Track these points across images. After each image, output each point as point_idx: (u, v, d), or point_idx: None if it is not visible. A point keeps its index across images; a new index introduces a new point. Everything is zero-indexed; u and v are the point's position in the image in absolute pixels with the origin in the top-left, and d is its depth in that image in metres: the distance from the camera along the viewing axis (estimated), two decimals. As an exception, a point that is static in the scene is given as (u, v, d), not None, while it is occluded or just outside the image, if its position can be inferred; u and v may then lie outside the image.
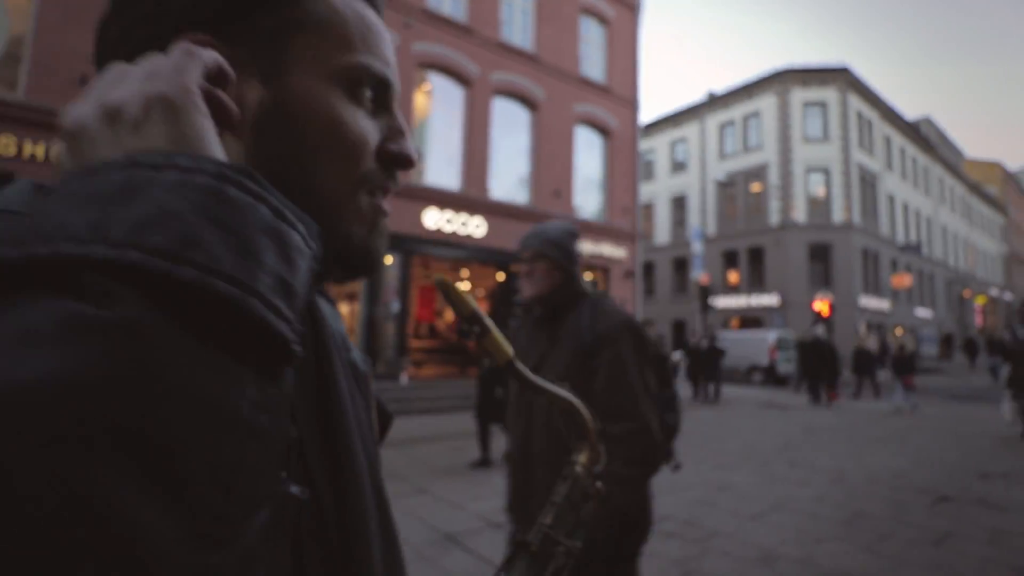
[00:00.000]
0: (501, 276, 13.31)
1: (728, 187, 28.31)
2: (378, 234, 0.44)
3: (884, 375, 22.06)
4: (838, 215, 25.72)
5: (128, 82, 0.30)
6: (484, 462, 6.04)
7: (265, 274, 0.25)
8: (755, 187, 27.42)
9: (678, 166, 31.31)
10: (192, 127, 0.29)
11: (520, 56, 13.53)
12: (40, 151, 7.86)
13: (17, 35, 8.09)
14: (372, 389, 0.52)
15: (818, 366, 13.14)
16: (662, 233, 31.29)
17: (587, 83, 14.90)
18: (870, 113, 28.58)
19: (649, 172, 32.70)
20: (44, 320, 0.20)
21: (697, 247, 17.92)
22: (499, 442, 6.27)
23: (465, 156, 12.45)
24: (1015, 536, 3.97)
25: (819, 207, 26.01)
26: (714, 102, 29.54)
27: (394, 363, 11.27)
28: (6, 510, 0.17)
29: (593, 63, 15.38)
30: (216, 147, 0.29)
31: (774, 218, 26.28)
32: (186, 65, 0.30)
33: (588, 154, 15.06)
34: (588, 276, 14.80)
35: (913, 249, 28.28)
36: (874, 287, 27.13)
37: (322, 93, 0.40)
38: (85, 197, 0.23)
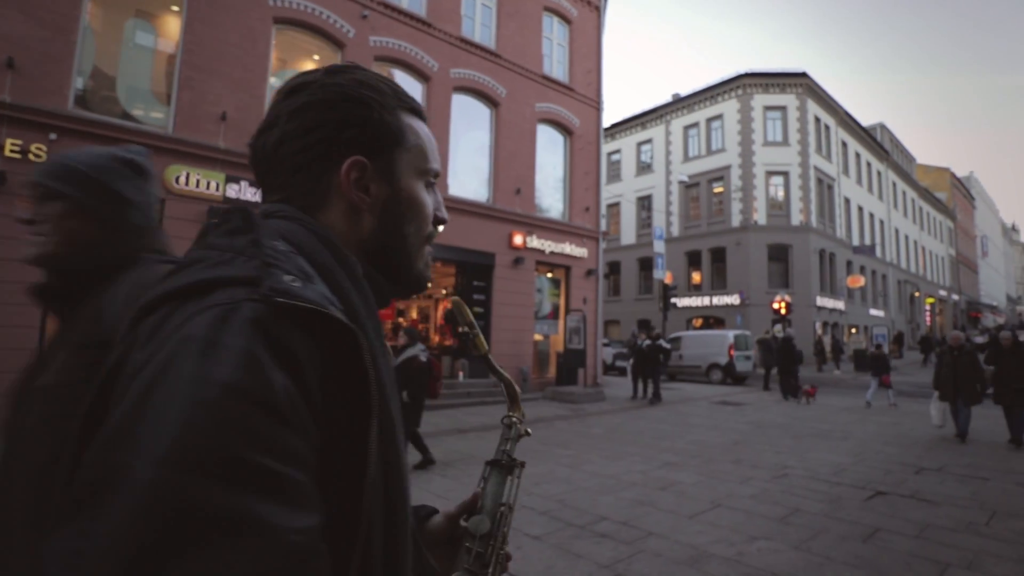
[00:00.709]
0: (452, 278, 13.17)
1: (691, 188, 28.78)
2: (428, 267, 0.69)
3: (838, 373, 22.76)
4: (796, 217, 26.39)
5: None
6: (427, 462, 5.87)
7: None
8: (717, 189, 27.93)
9: (644, 167, 31.66)
10: None
11: (481, 52, 13.37)
12: None
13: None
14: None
15: (789, 363, 13.50)
16: (628, 233, 31.61)
17: (549, 82, 14.84)
18: (828, 119, 29.43)
19: (616, 173, 33.00)
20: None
21: (659, 246, 18.09)
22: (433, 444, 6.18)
23: (424, 152, 12.22)
24: (941, 530, 4.03)
25: (779, 209, 26.64)
26: (679, 105, 29.98)
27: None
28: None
29: (556, 62, 15.34)
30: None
31: (736, 219, 26.81)
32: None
33: (550, 153, 15.01)
34: (549, 275, 14.77)
35: (868, 250, 29.23)
36: (830, 287, 27.95)
37: (415, 187, 0.65)
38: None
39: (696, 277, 28.58)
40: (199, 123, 9.32)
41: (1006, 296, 67.50)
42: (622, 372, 19.49)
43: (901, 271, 37.44)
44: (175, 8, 9.35)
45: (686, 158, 29.37)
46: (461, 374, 12.35)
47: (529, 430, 0.82)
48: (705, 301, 27.55)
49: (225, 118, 9.49)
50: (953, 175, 51.66)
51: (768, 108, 27.27)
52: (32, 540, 0.81)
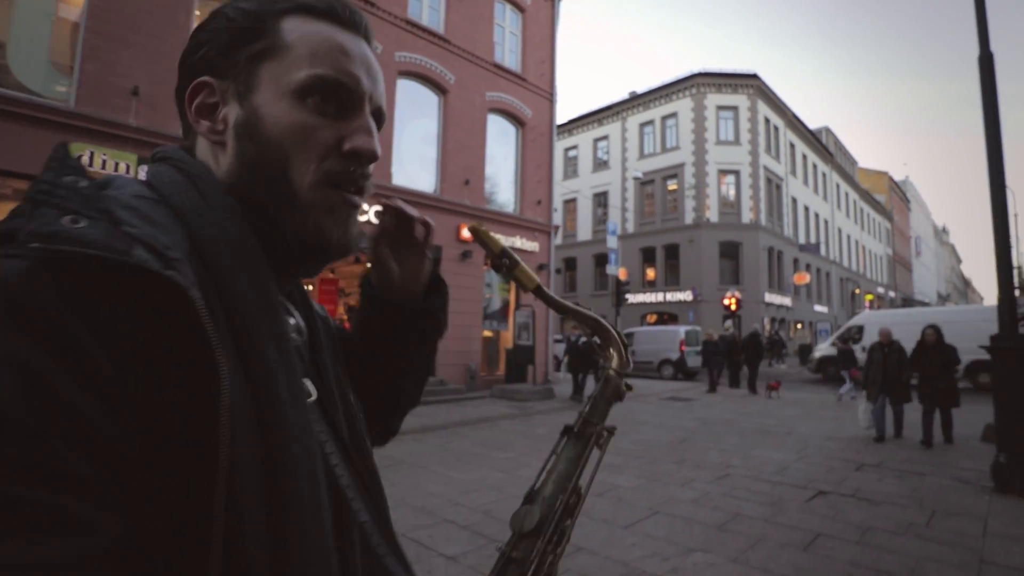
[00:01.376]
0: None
1: (647, 185, 28.97)
2: (350, 225, 0.53)
3: (784, 367, 23.34)
4: (747, 215, 26.93)
5: None
6: None
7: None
8: (672, 186, 28.20)
9: (600, 164, 31.69)
10: None
11: (429, 36, 12.81)
12: None
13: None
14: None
15: (755, 358, 13.66)
16: (584, 229, 31.58)
17: (501, 70, 14.41)
18: (777, 120, 30.17)
19: (573, 169, 32.93)
20: None
21: (612, 242, 17.95)
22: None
23: (366, 138, 11.59)
24: (883, 534, 3.84)
25: (730, 207, 27.12)
26: (635, 102, 30.10)
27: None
28: None
29: (508, 51, 14.91)
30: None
31: (689, 217, 27.13)
32: None
33: (501, 144, 14.59)
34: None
35: (813, 248, 30.16)
36: (778, 284, 28.69)
37: (278, 107, 0.49)
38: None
39: (650, 273, 28.82)
40: (106, 98, 8.44)
41: (937, 293, 71.53)
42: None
43: (843, 269, 38.95)
44: (77, -32, 8.44)
45: (642, 155, 29.54)
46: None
47: (630, 383, 0.66)
48: (659, 297, 27.80)
49: (137, 93, 8.64)
50: (891, 178, 54.22)
51: (721, 108, 27.70)
52: None
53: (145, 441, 0.35)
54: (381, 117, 0.57)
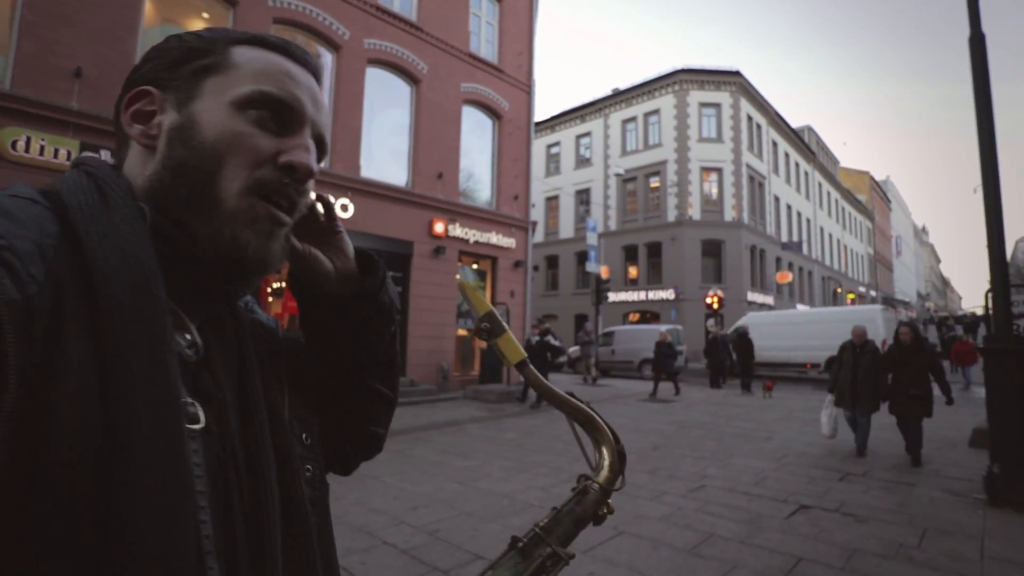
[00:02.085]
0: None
1: (629, 182, 28.66)
2: (274, 240, 0.51)
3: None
4: (729, 213, 26.73)
5: None
6: None
7: None
8: (654, 184, 27.92)
9: (582, 161, 31.32)
10: None
11: (400, 24, 12.26)
12: None
13: None
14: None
15: (747, 357, 13.32)
16: (566, 227, 31.18)
17: (477, 61, 13.90)
18: (759, 118, 30.04)
19: (555, 166, 32.53)
20: None
21: (592, 239, 17.55)
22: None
23: (332, 128, 11.02)
24: (871, 557, 3.43)
25: (712, 205, 26.90)
26: (617, 99, 29.76)
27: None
28: None
29: (484, 41, 14.41)
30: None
31: (671, 214, 26.87)
32: None
33: (477, 137, 14.09)
34: (474, 266, 13.89)
35: (796, 246, 30.09)
36: (760, 283, 28.56)
37: (217, 113, 0.49)
38: None
39: (632, 272, 28.52)
40: (46, 79, 7.80)
41: (917, 293, 72.51)
42: (554, 368, 18.91)
43: (825, 268, 39.07)
44: (9, -63, 7.78)
45: (624, 152, 29.22)
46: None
47: (611, 504, 0.57)
48: (641, 296, 27.51)
49: (80, 75, 8.02)
50: (872, 178, 54.70)
51: (703, 105, 27.47)
52: None
53: None
54: (323, 146, 0.57)
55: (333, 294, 0.61)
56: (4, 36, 7.71)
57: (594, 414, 0.57)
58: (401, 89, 12.47)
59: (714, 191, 27.11)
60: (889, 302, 51.60)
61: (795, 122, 40.26)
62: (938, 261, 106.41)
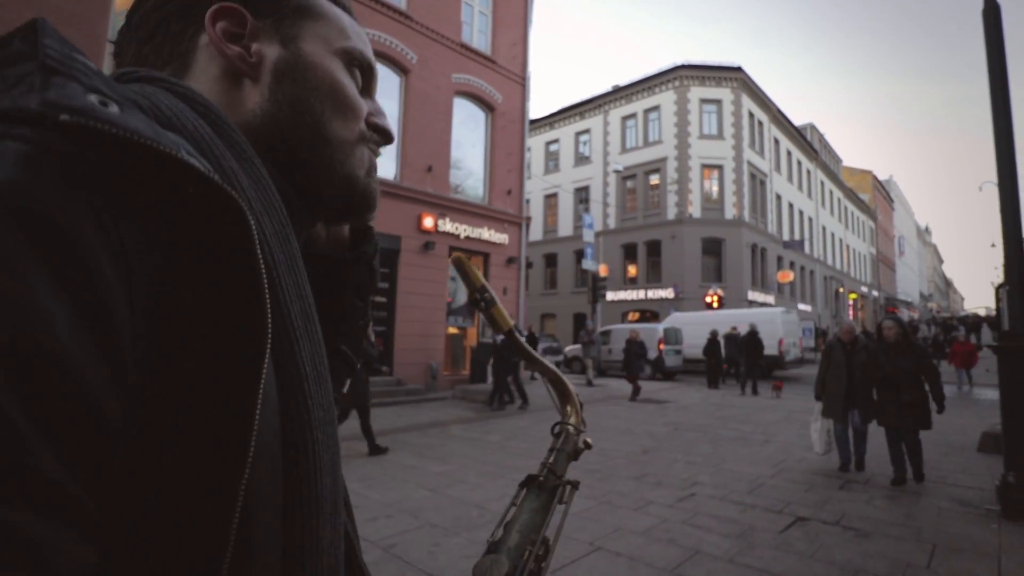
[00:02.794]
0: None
1: (628, 180, 28.26)
2: (374, 178, 0.52)
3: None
4: (730, 211, 26.31)
5: None
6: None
7: None
8: (654, 181, 27.52)
9: (582, 158, 30.90)
10: None
11: (388, 11, 11.90)
12: None
13: None
14: None
15: (755, 357, 12.88)
16: (565, 225, 30.76)
17: (469, 51, 13.54)
18: (761, 115, 29.60)
19: (554, 163, 32.14)
20: None
21: (588, 235, 17.19)
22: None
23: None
24: (873, 579, 3.06)
25: (713, 203, 26.49)
26: (617, 95, 29.34)
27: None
28: None
29: (477, 31, 14.04)
30: None
31: (671, 212, 26.45)
32: None
33: (469, 130, 13.73)
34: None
35: (797, 245, 29.65)
36: (761, 282, 28.14)
37: (327, 61, 0.48)
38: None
39: (632, 270, 28.12)
40: None
41: (919, 293, 71.97)
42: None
43: (827, 267, 38.61)
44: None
45: (624, 149, 28.81)
46: (358, 372, 10.88)
47: (589, 440, 0.65)
48: (640, 295, 27.11)
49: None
50: (875, 178, 54.18)
51: (704, 101, 27.04)
52: None
53: (148, 435, 0.25)
54: None
55: (323, 254, 0.57)
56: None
57: (562, 376, 0.66)
58: (389, 79, 12.10)
59: (715, 189, 26.69)
60: (892, 302, 51.23)
61: (797, 120, 39.78)
62: (941, 262, 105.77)
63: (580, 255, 28.91)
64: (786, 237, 31.22)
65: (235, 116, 0.44)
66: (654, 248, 27.11)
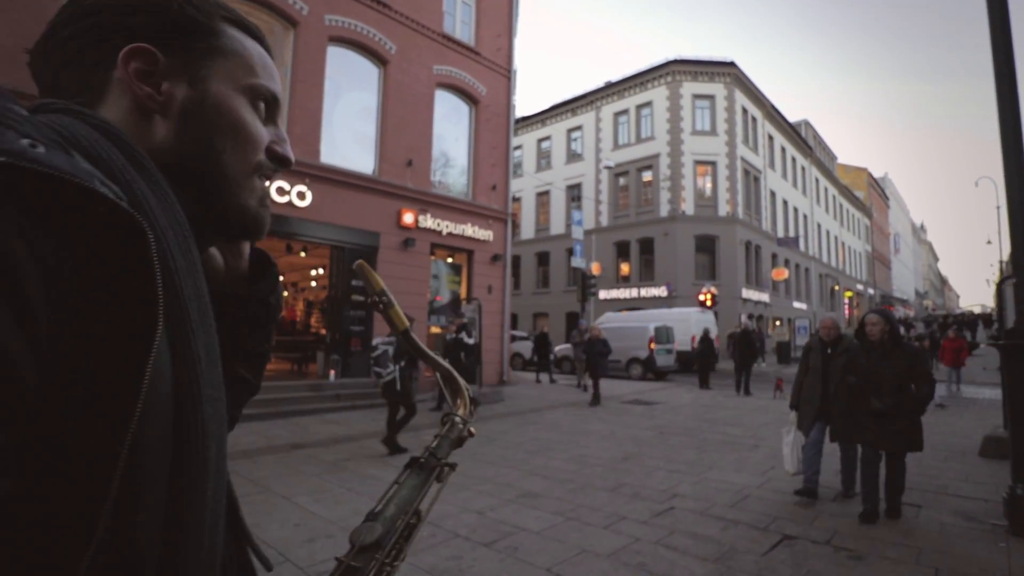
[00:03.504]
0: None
1: (621, 177, 27.87)
2: (265, 207, 0.58)
3: (763, 365, 22.37)
4: (723, 208, 25.94)
5: None
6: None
7: None
8: (647, 178, 27.13)
9: (574, 155, 30.49)
10: None
11: (365, -1, 11.45)
12: None
13: None
14: None
15: (749, 357, 12.42)
16: (557, 223, 30.33)
17: (451, 42, 13.10)
18: (755, 111, 29.24)
19: (546, 160, 31.72)
20: None
21: (578, 232, 16.79)
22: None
23: (289, 109, 10.21)
24: (867, 613, 2.65)
25: (706, 200, 26.11)
26: (609, 91, 28.94)
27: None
28: None
29: (460, 21, 13.60)
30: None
31: (664, 209, 26.06)
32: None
33: (452, 123, 13.28)
34: (449, 259, 13.09)
35: (792, 242, 29.30)
36: (755, 279, 27.78)
37: (232, 98, 0.53)
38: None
39: (624, 268, 27.72)
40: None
41: (915, 291, 71.86)
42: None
43: (822, 265, 38.31)
44: None
45: (616, 146, 28.40)
46: (332, 373, 10.46)
47: (473, 429, 0.71)
48: (633, 293, 26.72)
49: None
50: (871, 175, 53.95)
51: (697, 96, 26.66)
52: None
53: (57, 394, 0.32)
54: None
55: (221, 292, 0.59)
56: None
57: (453, 372, 0.72)
58: (367, 70, 11.66)
59: (708, 185, 26.30)
60: (887, 300, 51.02)
61: (792, 117, 39.49)
62: (936, 259, 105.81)
63: (572, 254, 28.57)
64: (780, 234, 30.89)
65: (144, 145, 0.48)
66: (647, 246, 26.72)
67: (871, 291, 50.09)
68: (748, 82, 27.90)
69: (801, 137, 35.99)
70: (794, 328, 27.48)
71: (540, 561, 3.27)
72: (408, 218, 11.68)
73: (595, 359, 11.05)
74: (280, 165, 0.58)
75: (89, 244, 0.33)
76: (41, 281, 0.31)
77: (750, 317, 26.67)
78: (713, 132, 26.45)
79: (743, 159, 27.18)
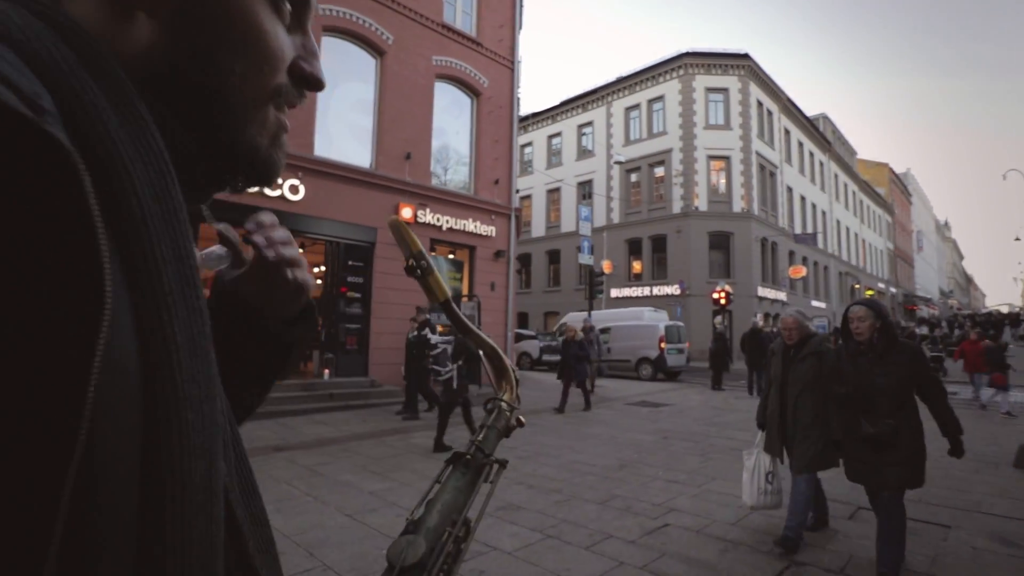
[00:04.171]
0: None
1: (633, 173, 27.30)
2: (279, 147, 0.45)
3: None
4: (738, 204, 25.24)
5: None
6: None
7: None
8: (659, 174, 26.52)
9: (584, 152, 29.98)
10: None
11: (362, -12, 11.13)
12: None
13: None
14: None
15: (758, 357, 11.82)
16: (568, 220, 29.84)
17: (451, 32, 12.73)
18: (770, 104, 28.45)
19: (557, 157, 31.25)
20: None
21: (585, 228, 16.33)
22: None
23: (281, 102, 9.91)
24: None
25: (720, 195, 25.43)
26: (620, 85, 28.37)
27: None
28: None
29: (460, 11, 13.22)
30: None
31: (677, 206, 25.45)
32: None
33: (453, 116, 12.92)
34: (450, 255, 12.72)
35: (810, 238, 28.47)
36: (772, 277, 27.02)
37: (249, 1, 0.40)
38: None
39: (637, 266, 27.15)
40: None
41: (939, 290, 69.94)
42: (552, 367, 17.56)
43: (842, 263, 37.28)
44: None
45: (627, 141, 27.84)
46: (327, 372, 10.15)
47: (522, 418, 0.64)
48: (646, 291, 26.13)
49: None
50: (892, 171, 52.53)
51: (710, 90, 25.99)
52: None
53: None
54: None
55: (256, 324, 0.54)
56: None
57: (499, 350, 0.64)
58: (364, 61, 11.34)
59: (722, 181, 25.61)
60: (910, 299, 49.60)
61: (809, 110, 38.48)
62: (961, 257, 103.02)
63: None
64: (798, 231, 30.03)
65: (121, 46, 0.35)
66: (659, 243, 26.12)
67: (893, 290, 48.73)
68: (763, 75, 27.14)
69: (819, 132, 35.03)
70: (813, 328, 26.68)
71: (506, 589, 2.86)
72: (406, 212, 11.34)
73: (570, 362, 9.77)
74: (310, 87, 0.46)
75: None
76: None
77: (767, 316, 25.93)
78: (727, 126, 25.76)
79: (758, 154, 26.44)
